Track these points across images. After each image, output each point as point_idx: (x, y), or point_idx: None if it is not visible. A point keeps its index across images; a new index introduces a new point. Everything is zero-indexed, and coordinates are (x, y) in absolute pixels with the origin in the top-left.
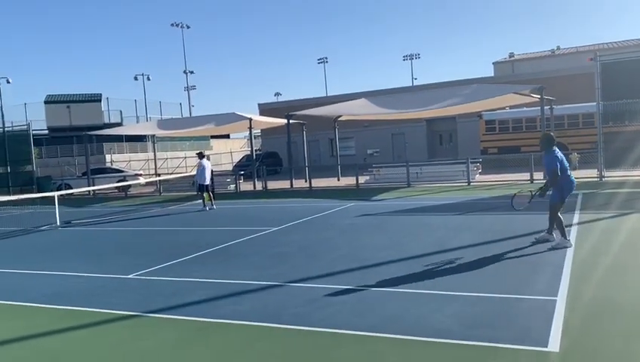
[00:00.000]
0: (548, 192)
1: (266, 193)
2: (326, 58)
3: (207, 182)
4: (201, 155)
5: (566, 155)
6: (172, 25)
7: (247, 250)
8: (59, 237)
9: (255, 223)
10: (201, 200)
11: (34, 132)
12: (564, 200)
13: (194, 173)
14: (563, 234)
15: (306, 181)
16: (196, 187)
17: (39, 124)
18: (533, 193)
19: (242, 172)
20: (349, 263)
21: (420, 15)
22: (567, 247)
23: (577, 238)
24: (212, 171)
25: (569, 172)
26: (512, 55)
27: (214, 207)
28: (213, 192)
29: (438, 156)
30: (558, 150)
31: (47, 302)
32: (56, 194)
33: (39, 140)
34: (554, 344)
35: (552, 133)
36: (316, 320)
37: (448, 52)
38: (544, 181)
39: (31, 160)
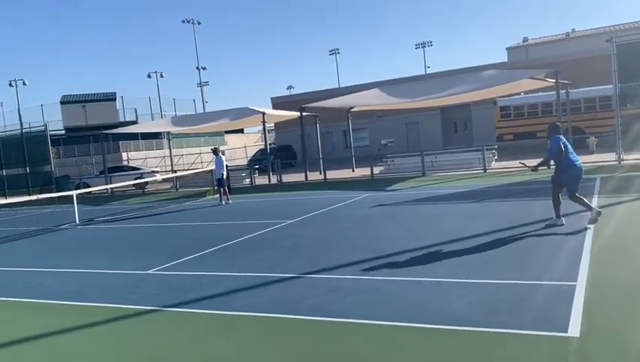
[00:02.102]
0: (541, 168)
1: (281, 186)
2: (337, 49)
3: (224, 176)
4: (215, 151)
5: (583, 139)
6: (183, 22)
7: (263, 243)
8: (78, 235)
9: (271, 216)
10: (218, 196)
11: (51, 132)
12: (562, 185)
13: (211, 168)
14: (557, 215)
15: (320, 173)
16: (215, 182)
17: (56, 124)
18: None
19: (257, 166)
20: (366, 254)
21: (431, 2)
22: (557, 225)
23: (596, 222)
24: (227, 166)
25: (573, 156)
26: (525, 40)
27: (230, 201)
28: (229, 187)
29: (453, 144)
30: (562, 136)
31: (68, 299)
32: (74, 193)
33: (56, 140)
34: (574, 329)
35: (557, 123)
36: (334, 310)
37: (461, 39)
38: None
39: (49, 160)
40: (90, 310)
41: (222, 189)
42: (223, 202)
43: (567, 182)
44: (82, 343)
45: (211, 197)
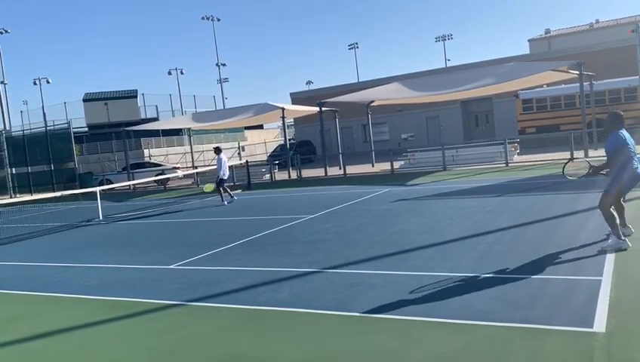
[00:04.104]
0: (602, 172)
1: (301, 181)
2: (356, 44)
3: (226, 176)
4: (218, 150)
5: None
6: (203, 18)
7: (284, 238)
8: (102, 230)
9: (291, 211)
10: (226, 194)
11: (74, 130)
12: (621, 193)
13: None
14: (616, 233)
15: (340, 168)
16: (216, 182)
17: (79, 121)
18: (589, 169)
19: (277, 161)
20: (387, 248)
21: None
22: (622, 249)
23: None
24: (244, 164)
25: (636, 163)
26: (548, 31)
27: (234, 198)
28: (248, 183)
29: (474, 138)
30: (624, 132)
31: (93, 293)
32: (98, 189)
33: (79, 137)
34: (600, 324)
35: (619, 112)
36: (355, 305)
37: (481, 31)
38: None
39: (72, 157)
40: (113, 304)
41: (221, 189)
42: (226, 202)
43: (622, 189)
44: (105, 337)
45: (209, 191)
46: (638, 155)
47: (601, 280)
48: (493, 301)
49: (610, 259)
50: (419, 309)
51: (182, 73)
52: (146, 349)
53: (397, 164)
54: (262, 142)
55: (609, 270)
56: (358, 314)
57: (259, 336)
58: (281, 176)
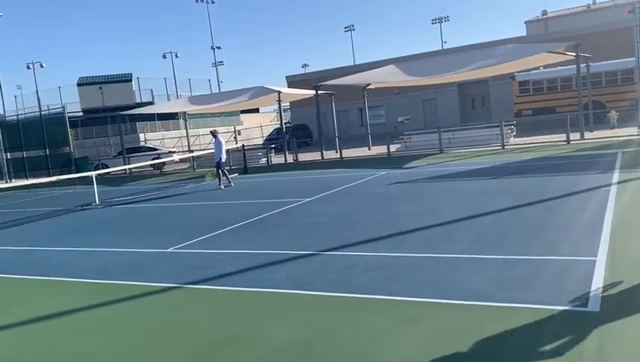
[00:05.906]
0: None
1: (298, 165)
2: (353, 26)
3: (223, 158)
4: (214, 134)
5: (604, 114)
6: (197, 1)
7: (281, 221)
8: (98, 215)
9: (288, 195)
10: (221, 178)
11: (69, 114)
12: None
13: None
14: None
15: (336, 151)
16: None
17: (74, 106)
18: None
19: (273, 145)
20: (384, 230)
21: None
22: None
23: (617, 198)
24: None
25: None
26: (544, 13)
27: (231, 184)
28: (245, 168)
29: (470, 120)
30: None
31: (91, 277)
32: (93, 173)
33: (75, 122)
34: (594, 304)
35: None
36: (352, 286)
37: (478, 13)
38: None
39: (68, 142)
40: (111, 287)
41: (220, 172)
42: (222, 186)
43: None
44: (102, 320)
45: (211, 180)
46: None
47: (595, 261)
48: (489, 281)
49: (604, 239)
50: (416, 290)
51: (177, 57)
52: (144, 332)
53: (393, 147)
54: (258, 126)
55: (603, 251)
56: (355, 295)
57: (257, 318)
58: (277, 159)
